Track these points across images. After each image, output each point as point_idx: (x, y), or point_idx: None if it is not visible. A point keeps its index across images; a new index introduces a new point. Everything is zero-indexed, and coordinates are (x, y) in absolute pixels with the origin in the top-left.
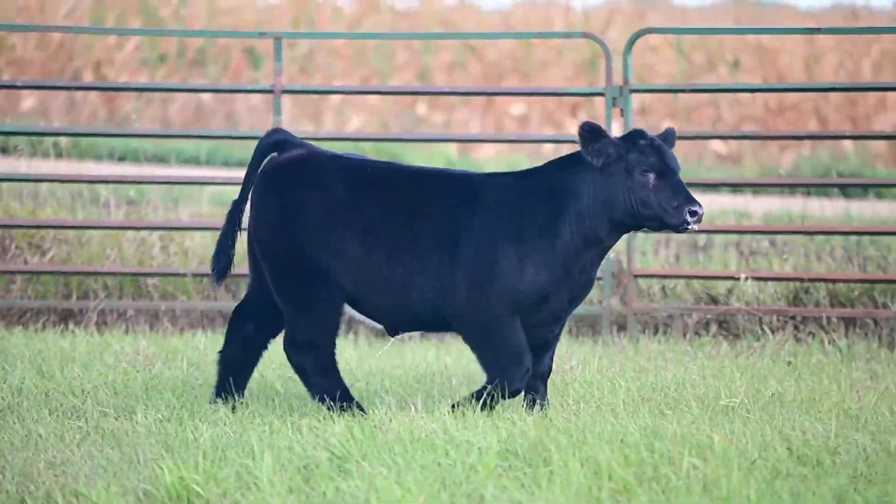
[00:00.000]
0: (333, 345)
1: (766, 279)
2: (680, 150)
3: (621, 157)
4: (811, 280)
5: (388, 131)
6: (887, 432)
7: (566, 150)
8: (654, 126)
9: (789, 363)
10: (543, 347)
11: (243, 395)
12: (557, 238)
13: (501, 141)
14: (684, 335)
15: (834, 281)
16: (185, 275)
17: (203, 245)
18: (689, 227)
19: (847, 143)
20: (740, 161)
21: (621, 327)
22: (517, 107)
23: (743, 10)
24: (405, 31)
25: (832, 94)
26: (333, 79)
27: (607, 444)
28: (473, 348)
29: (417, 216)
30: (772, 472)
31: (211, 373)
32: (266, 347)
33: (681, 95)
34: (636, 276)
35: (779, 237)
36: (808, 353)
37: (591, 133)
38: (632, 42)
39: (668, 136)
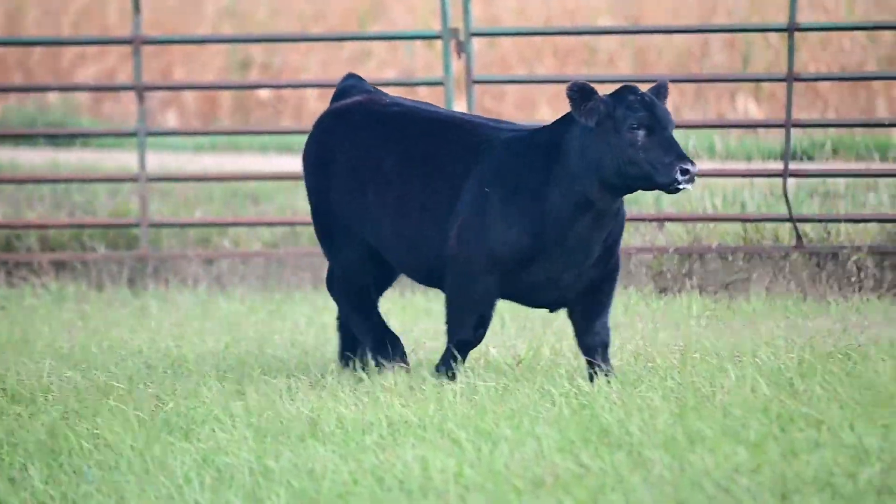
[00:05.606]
0: (367, 281)
1: None
2: None
3: (609, 114)
4: (23, 227)
5: None
6: (98, 368)
7: None
8: None
9: (2, 308)
10: (586, 318)
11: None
12: (546, 201)
13: None
14: None
15: (44, 227)
16: None
17: None
18: (680, 185)
19: (51, 95)
20: None
21: None
22: None
23: None
24: None
25: (36, 48)
26: None
27: None
28: (446, 296)
29: (430, 165)
30: None
31: None
32: (377, 302)
33: None
34: None
35: None
36: (21, 297)
37: (581, 93)
38: None
39: (661, 89)
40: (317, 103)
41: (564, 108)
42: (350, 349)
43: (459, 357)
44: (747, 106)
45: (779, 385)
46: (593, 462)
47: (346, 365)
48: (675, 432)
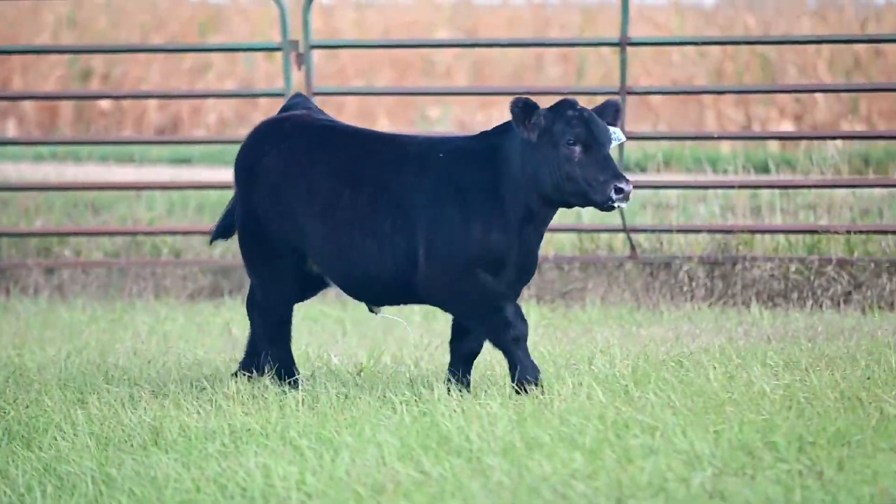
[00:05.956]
0: (287, 313)
1: None
2: None
3: (547, 128)
4: None
5: None
6: None
7: None
8: None
9: None
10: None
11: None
12: (500, 203)
13: None
14: None
15: None
16: None
17: None
18: (615, 204)
19: None
20: None
21: None
22: None
23: None
24: None
25: None
26: None
27: None
28: (457, 315)
29: (366, 179)
30: None
31: None
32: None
33: None
34: None
35: None
36: None
37: (524, 109)
38: None
39: (608, 108)
40: (157, 114)
41: (403, 118)
42: (248, 366)
43: (524, 353)
44: None
45: (614, 392)
46: (434, 468)
47: (242, 373)
48: (514, 439)
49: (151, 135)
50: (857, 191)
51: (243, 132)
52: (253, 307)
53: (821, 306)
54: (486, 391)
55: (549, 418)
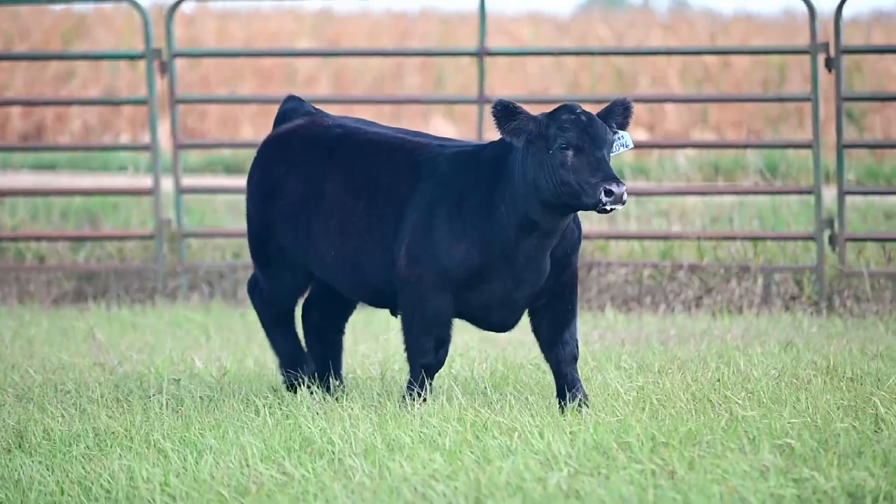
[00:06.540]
0: (291, 304)
1: None
2: None
3: (542, 133)
4: None
5: None
6: None
7: None
8: None
9: None
10: (553, 331)
11: (341, 380)
12: (492, 218)
13: None
14: None
15: None
16: None
17: None
18: (606, 206)
19: None
20: None
21: None
22: None
23: None
24: None
25: None
26: None
27: None
28: (402, 320)
29: (374, 186)
30: None
31: None
32: (342, 331)
33: None
34: None
35: None
36: None
37: (504, 111)
38: None
39: (616, 107)
40: (21, 121)
41: (266, 127)
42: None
43: (426, 381)
44: (441, 126)
45: (473, 395)
46: (296, 470)
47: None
48: (375, 440)
49: (15, 141)
50: (708, 198)
51: (107, 139)
52: (254, 291)
53: (673, 310)
54: (347, 394)
55: (409, 420)
